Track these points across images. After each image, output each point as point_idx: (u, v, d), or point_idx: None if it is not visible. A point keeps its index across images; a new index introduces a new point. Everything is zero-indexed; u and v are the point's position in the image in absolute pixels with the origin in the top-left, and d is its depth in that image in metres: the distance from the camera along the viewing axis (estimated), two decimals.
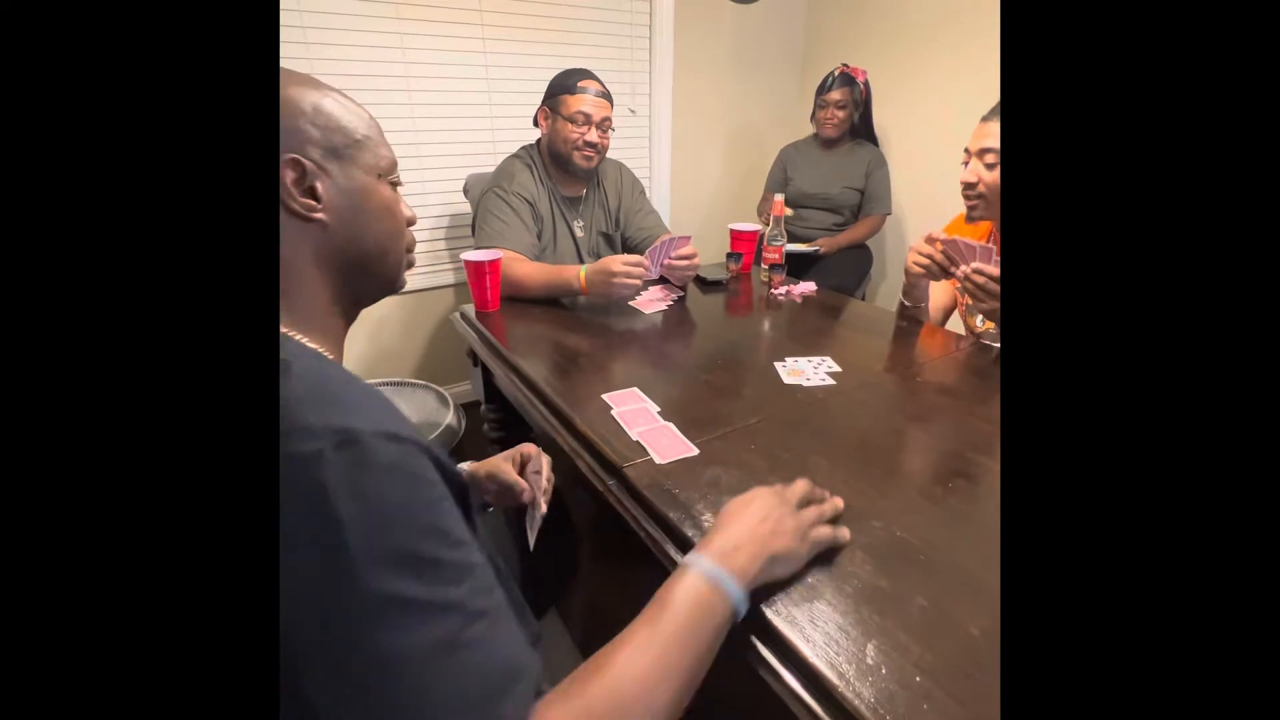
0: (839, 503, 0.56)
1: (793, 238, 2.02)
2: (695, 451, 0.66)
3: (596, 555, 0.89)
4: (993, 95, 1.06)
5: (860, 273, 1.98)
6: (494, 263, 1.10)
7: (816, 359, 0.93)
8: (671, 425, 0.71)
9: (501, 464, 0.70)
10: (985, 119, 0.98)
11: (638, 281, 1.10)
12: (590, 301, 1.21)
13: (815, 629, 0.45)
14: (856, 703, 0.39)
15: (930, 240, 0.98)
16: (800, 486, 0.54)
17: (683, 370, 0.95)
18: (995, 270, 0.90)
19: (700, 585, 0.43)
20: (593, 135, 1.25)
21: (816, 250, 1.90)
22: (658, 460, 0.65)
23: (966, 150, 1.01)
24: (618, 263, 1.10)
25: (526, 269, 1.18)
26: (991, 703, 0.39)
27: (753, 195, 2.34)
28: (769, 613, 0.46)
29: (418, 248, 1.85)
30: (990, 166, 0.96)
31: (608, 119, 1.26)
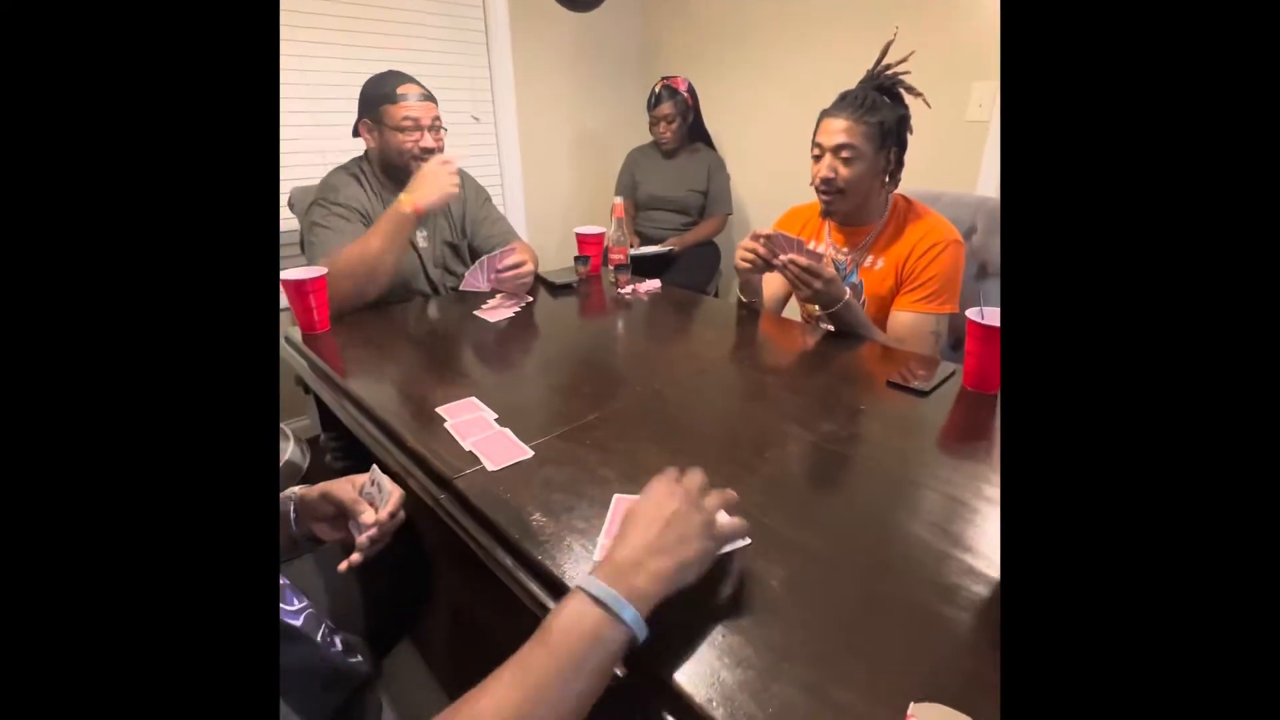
0: (733, 494, 0.49)
1: (646, 239, 2.09)
2: (529, 454, 0.66)
3: (450, 580, 0.86)
4: (818, 94, 1.15)
5: (711, 269, 2.10)
6: (317, 280, 1.02)
7: None
8: (508, 431, 0.71)
9: (340, 483, 0.64)
10: (831, 114, 1.05)
11: (455, 174, 1.16)
12: (434, 314, 1.16)
13: None
14: (663, 666, 0.42)
15: (755, 237, 1.05)
16: (699, 476, 0.49)
17: (525, 375, 0.95)
18: (805, 260, 0.99)
19: (588, 612, 0.38)
20: (427, 140, 1.21)
21: (671, 250, 1.98)
22: (490, 468, 0.64)
23: (818, 145, 1.07)
24: (434, 162, 1.15)
25: (356, 248, 1.10)
26: (787, 643, 0.43)
27: (606, 199, 2.39)
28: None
29: None
30: (847, 162, 1.03)
31: (437, 119, 1.23)
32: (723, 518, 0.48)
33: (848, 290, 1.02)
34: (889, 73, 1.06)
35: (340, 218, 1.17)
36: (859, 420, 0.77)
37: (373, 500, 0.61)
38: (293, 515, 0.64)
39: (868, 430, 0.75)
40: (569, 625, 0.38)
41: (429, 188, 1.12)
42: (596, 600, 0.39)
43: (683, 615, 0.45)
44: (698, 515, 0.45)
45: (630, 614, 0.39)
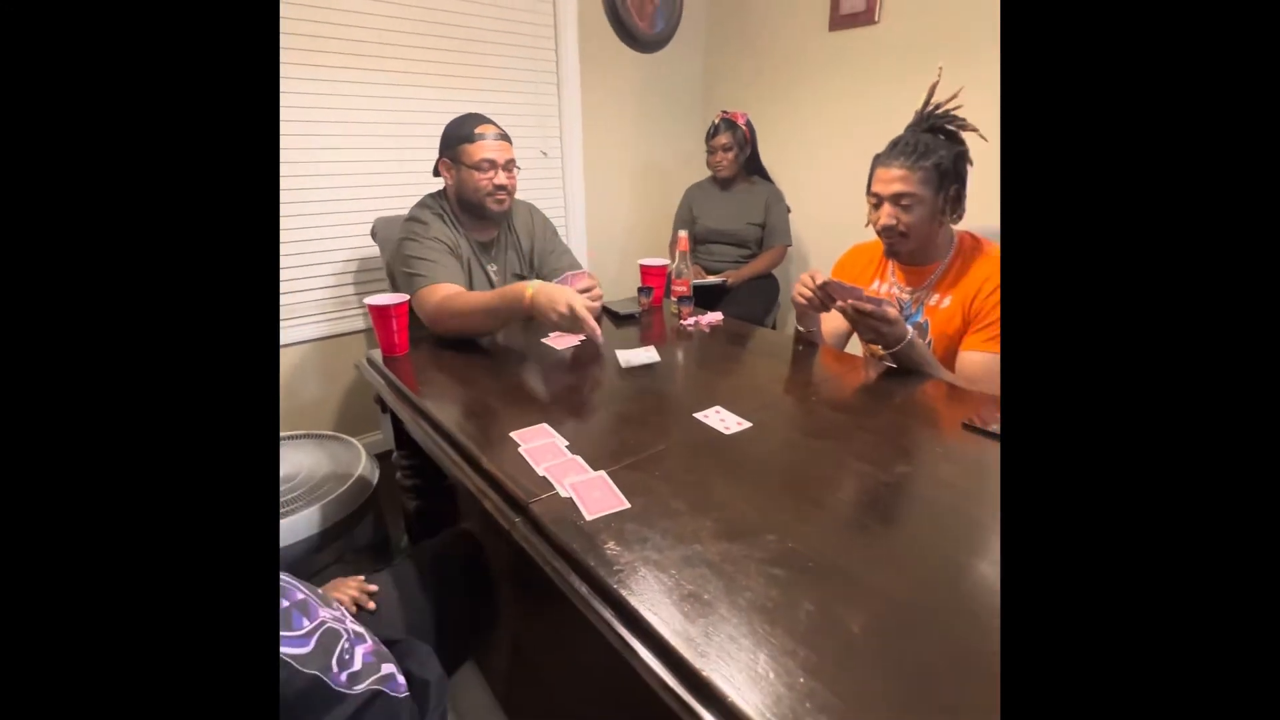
0: None
1: (704, 272, 2.11)
2: (625, 505, 0.66)
3: (517, 603, 0.88)
4: (874, 130, 1.16)
5: (768, 302, 2.09)
6: (400, 305, 1.09)
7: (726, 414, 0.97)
8: (579, 458, 0.73)
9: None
10: (885, 163, 1.05)
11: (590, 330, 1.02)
12: (504, 340, 1.21)
13: (709, 643, 0.47)
14: (745, 709, 0.41)
15: (812, 277, 1.06)
16: None
17: (593, 403, 0.97)
18: (868, 306, 0.99)
19: None
20: (501, 178, 1.27)
21: (723, 282, 2.00)
22: (563, 494, 0.66)
23: (875, 195, 1.08)
24: (580, 303, 1.02)
25: (469, 299, 1.15)
26: (868, 692, 0.42)
27: (664, 232, 2.44)
28: (665, 632, 0.48)
29: (325, 293, 1.78)
30: (906, 209, 1.04)
31: (511, 160, 1.29)
32: None
33: (910, 330, 1.01)
34: (939, 111, 1.05)
35: (435, 249, 1.24)
36: (936, 463, 0.75)
37: None
38: None
39: (945, 474, 0.73)
40: None
41: (555, 298, 1.03)
42: None
43: (760, 654, 0.45)
44: None
45: None
